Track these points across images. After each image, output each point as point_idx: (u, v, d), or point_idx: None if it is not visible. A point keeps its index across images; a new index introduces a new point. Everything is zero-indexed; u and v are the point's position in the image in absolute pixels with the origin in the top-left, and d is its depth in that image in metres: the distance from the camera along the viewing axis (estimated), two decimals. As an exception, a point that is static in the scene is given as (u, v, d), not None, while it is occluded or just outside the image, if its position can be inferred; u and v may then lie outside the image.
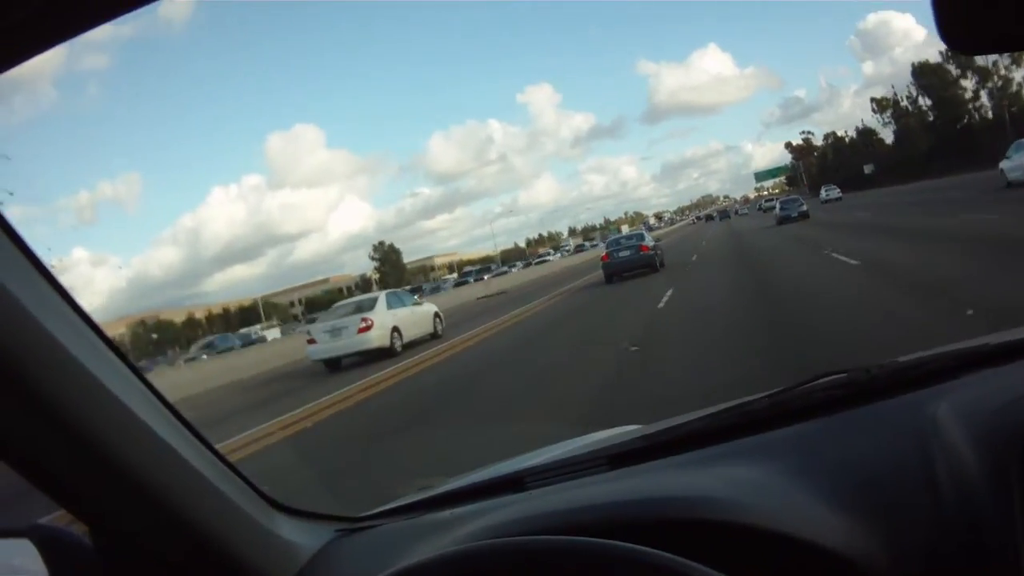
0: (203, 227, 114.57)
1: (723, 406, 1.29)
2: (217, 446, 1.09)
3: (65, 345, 0.87)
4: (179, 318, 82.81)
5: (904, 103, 66.83)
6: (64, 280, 0.94)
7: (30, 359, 0.84)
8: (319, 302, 73.91)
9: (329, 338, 16.30)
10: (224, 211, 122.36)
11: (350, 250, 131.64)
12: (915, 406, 1.07)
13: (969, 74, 57.87)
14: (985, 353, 1.18)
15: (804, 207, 38.11)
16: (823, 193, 56.33)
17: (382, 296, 17.40)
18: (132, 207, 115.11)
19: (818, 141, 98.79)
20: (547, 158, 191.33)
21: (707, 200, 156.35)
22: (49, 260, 0.94)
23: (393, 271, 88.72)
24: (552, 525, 1.00)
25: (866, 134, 78.68)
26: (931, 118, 62.63)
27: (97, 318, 0.98)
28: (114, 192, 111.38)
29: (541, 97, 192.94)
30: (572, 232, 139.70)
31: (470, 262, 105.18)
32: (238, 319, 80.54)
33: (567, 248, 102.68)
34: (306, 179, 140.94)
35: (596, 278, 25.40)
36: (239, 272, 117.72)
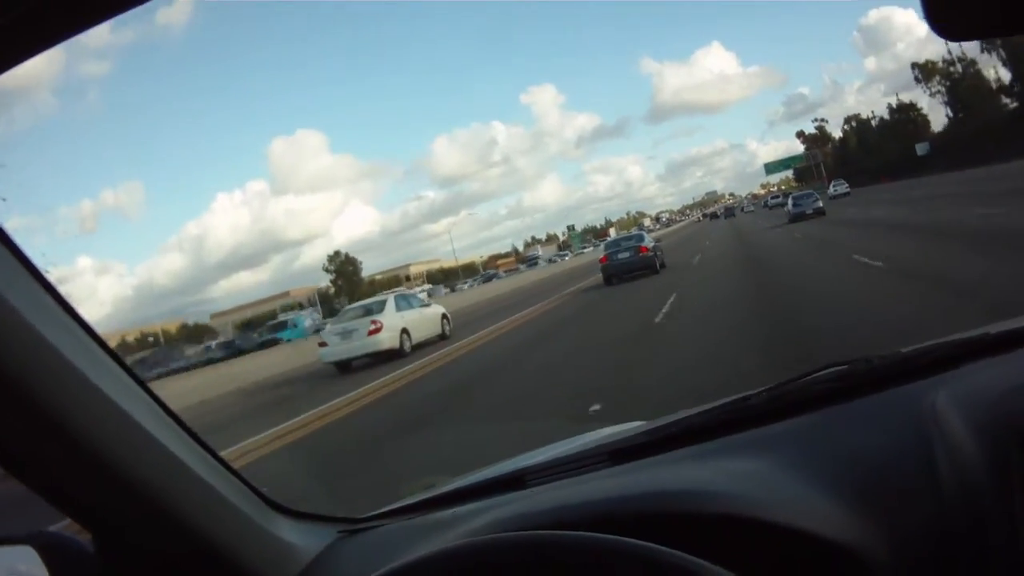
0: (207, 234, 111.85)
1: (723, 400, 1.26)
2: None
3: (63, 352, 0.85)
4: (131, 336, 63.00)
5: (957, 67, 52.27)
6: (67, 289, 0.91)
7: (29, 367, 0.82)
8: (259, 320, 59.95)
9: (340, 340, 16.28)
10: (228, 217, 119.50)
11: (356, 255, 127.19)
12: (915, 396, 1.03)
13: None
14: (986, 342, 1.14)
15: (819, 203, 32.95)
16: (831, 188, 51.08)
17: (391, 299, 17.42)
18: (135, 215, 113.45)
19: (832, 130, 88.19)
20: (551, 159, 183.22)
21: (711, 198, 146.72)
22: (45, 267, 0.92)
23: (348, 284, 74.24)
24: (553, 521, 0.97)
25: (904, 110, 64.34)
26: (1006, 82, 47.25)
27: (101, 327, 0.96)
28: (116, 200, 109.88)
29: (545, 98, 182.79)
30: (548, 239, 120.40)
31: (450, 271, 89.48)
32: (186, 339, 63.17)
33: (535, 258, 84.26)
34: (310, 184, 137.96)
35: (555, 310, 19.20)
36: (244, 279, 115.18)
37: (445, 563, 0.80)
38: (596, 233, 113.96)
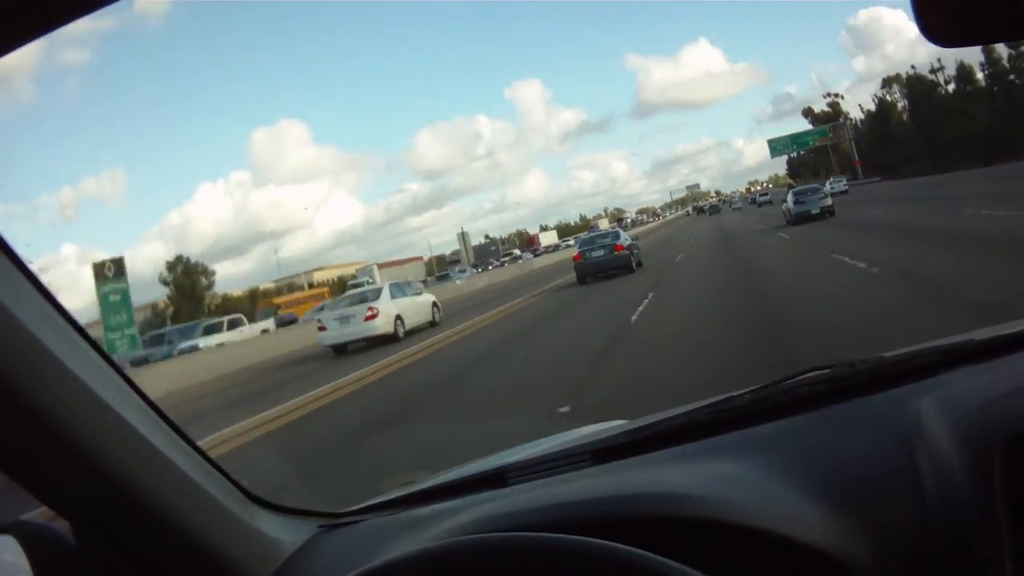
0: (189, 224, 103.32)
1: (707, 402, 1.20)
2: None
3: (42, 340, 0.79)
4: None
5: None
6: (49, 278, 0.83)
7: (6, 355, 0.76)
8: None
9: (338, 325, 16.35)
10: (210, 208, 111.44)
11: (339, 246, 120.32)
12: (898, 401, 0.99)
13: None
14: (970, 349, 1.09)
15: (828, 200, 24.44)
16: (827, 185, 38.27)
17: (386, 287, 17.42)
18: (117, 204, 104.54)
19: (847, 107, 65.83)
20: (536, 154, 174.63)
21: (697, 194, 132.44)
22: (28, 257, 0.84)
23: (189, 302, 50.19)
24: (534, 521, 0.92)
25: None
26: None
27: (80, 317, 0.89)
28: (99, 189, 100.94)
29: (529, 92, 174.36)
30: (487, 242, 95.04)
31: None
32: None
33: (461, 271, 55.35)
34: (293, 175, 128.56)
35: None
36: (227, 269, 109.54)
37: (425, 564, 0.76)
38: (525, 241, 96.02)
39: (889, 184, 42.81)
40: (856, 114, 62.62)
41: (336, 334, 16.31)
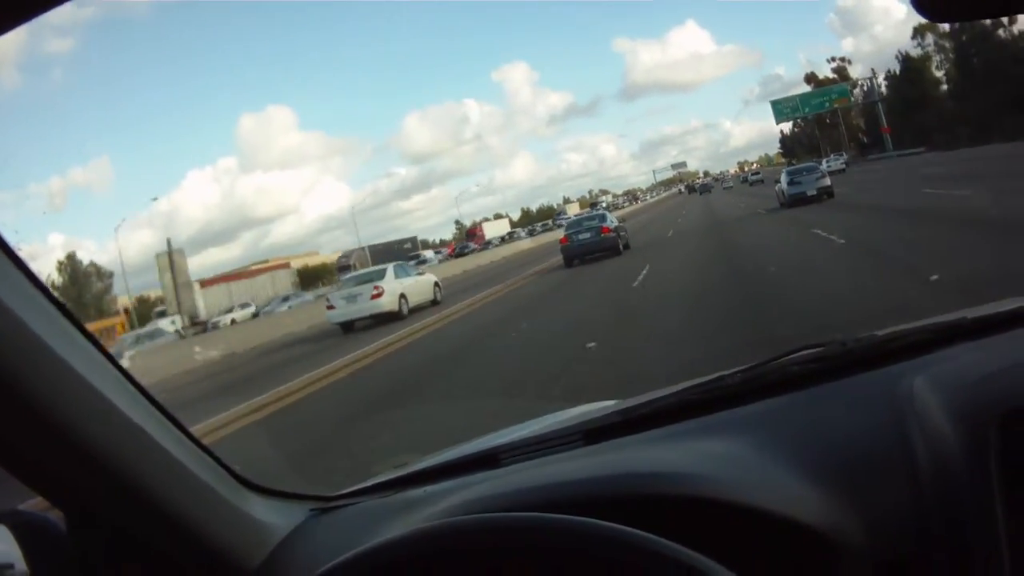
0: (177, 211, 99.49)
1: (698, 380, 1.17)
2: None
3: (33, 329, 0.76)
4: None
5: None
6: (39, 266, 0.79)
7: None
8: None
9: (346, 304, 16.56)
10: (197, 194, 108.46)
11: (326, 231, 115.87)
12: (892, 379, 0.95)
13: None
14: (963, 327, 1.07)
15: (826, 179, 21.55)
16: (824, 163, 33.60)
17: (390, 268, 17.65)
18: (104, 192, 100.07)
19: (858, 73, 55.16)
20: (523, 137, 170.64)
21: (684, 174, 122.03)
22: (16, 244, 0.80)
23: (76, 308, 29.96)
24: (526, 501, 0.90)
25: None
26: None
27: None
28: (85, 177, 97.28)
29: (517, 75, 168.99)
30: (407, 245, 69.15)
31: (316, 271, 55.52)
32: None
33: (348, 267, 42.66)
34: (280, 161, 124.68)
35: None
36: (214, 255, 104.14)
37: (420, 544, 0.73)
38: (466, 231, 79.25)
39: (939, 155, 31.72)
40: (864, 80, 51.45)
41: (343, 312, 16.53)
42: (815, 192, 20.98)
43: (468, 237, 73.63)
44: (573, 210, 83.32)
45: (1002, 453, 0.76)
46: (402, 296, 16.59)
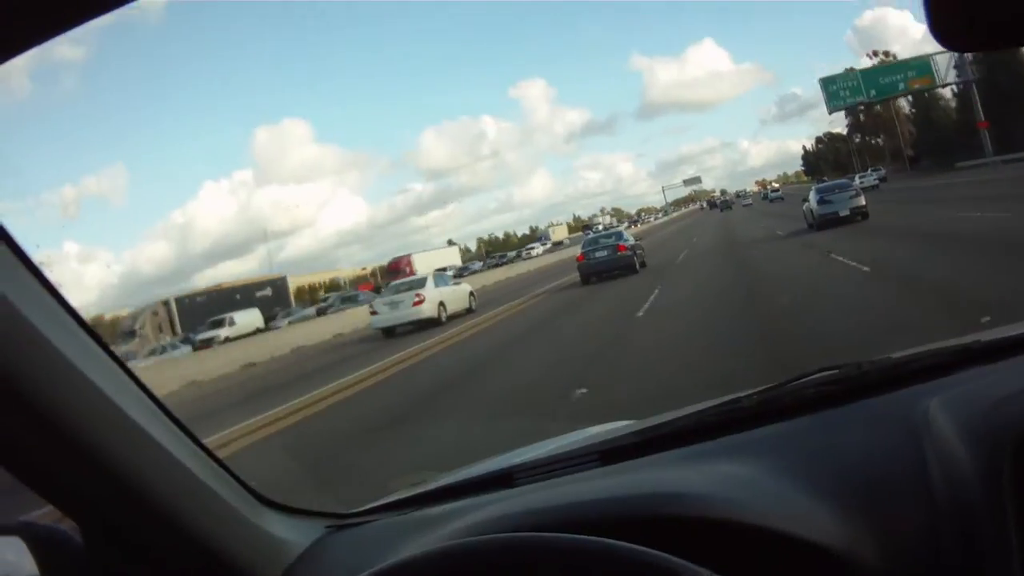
0: (192, 222, 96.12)
1: (714, 402, 1.13)
2: None
3: (52, 341, 0.75)
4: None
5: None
6: (53, 275, 0.79)
7: (16, 356, 0.72)
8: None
9: (389, 310, 16.98)
10: (213, 206, 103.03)
11: (343, 246, 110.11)
12: (907, 402, 0.93)
13: None
14: (977, 350, 1.03)
15: (860, 198, 18.21)
16: (857, 179, 28.46)
17: (430, 277, 18.12)
18: (120, 202, 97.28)
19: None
20: (541, 154, 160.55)
21: (699, 192, 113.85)
22: (36, 255, 0.79)
23: None
24: (541, 522, 0.86)
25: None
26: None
27: (86, 314, 0.83)
28: (100, 187, 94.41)
29: (534, 92, 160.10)
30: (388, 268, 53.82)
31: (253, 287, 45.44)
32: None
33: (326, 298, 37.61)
34: (296, 174, 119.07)
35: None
36: (230, 268, 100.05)
37: (438, 563, 0.71)
38: (388, 265, 54.96)
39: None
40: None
41: (386, 318, 16.91)
42: (848, 212, 17.84)
43: (390, 273, 49.91)
44: (562, 233, 74.32)
45: (1017, 475, 0.74)
46: (441, 304, 16.92)
